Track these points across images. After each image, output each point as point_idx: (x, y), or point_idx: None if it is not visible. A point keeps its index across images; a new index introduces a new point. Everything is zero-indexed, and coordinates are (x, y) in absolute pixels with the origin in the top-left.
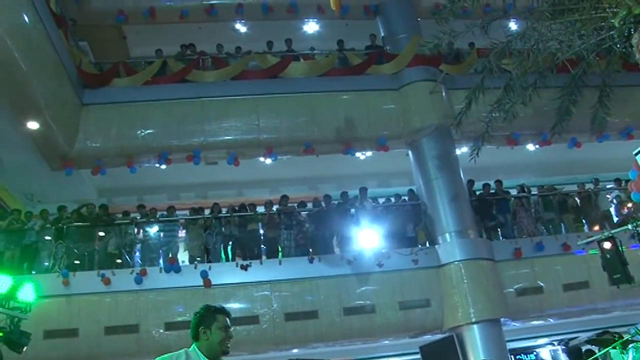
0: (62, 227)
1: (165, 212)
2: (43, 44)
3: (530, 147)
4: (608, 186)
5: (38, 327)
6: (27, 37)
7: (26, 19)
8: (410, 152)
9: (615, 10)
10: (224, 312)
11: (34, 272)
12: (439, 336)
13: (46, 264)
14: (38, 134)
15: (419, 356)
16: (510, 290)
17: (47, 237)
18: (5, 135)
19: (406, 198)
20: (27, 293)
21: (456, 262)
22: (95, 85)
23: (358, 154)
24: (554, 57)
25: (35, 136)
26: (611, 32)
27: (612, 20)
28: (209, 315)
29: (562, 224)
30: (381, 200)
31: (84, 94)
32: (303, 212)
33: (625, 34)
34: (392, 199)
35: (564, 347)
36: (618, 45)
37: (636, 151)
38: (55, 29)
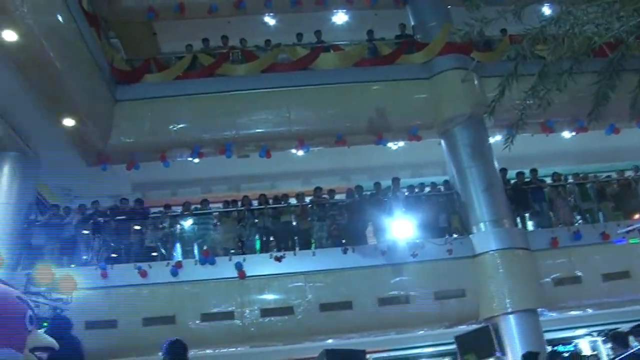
0: (98, 221)
1: (198, 206)
2: (77, 43)
3: (566, 134)
4: None
5: (78, 318)
6: (61, 37)
7: (60, 19)
8: (442, 142)
9: None
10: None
11: (73, 265)
12: (475, 326)
13: (84, 257)
14: (74, 131)
15: (454, 346)
16: (547, 280)
17: (85, 231)
18: (43, 133)
19: (441, 188)
20: (68, 285)
21: (491, 252)
22: (128, 82)
23: (390, 144)
24: (590, 41)
25: (71, 133)
26: None
27: None
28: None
29: (601, 213)
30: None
31: (116, 90)
32: (336, 203)
33: None
34: (427, 188)
35: (604, 336)
36: None
37: None
38: (87, 28)
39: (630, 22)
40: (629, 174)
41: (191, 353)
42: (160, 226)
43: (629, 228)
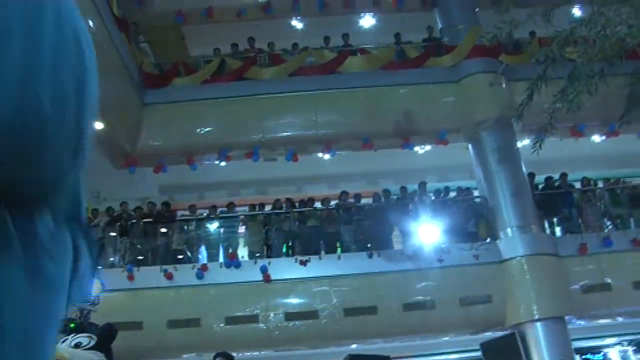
0: (125, 224)
1: (225, 209)
2: (107, 48)
3: (596, 138)
4: None
5: (105, 319)
6: (92, 42)
7: (91, 24)
8: (470, 146)
9: None
10: (220, 356)
11: (100, 267)
12: (500, 333)
13: (112, 259)
14: (103, 134)
15: (479, 353)
16: (576, 287)
17: (112, 234)
18: None
19: (474, 192)
20: (96, 286)
21: (518, 258)
22: (156, 86)
23: (417, 148)
24: (622, 43)
25: (100, 136)
26: None
27: None
28: None
29: (632, 219)
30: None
31: (145, 94)
32: (362, 208)
33: None
34: (453, 193)
35: (635, 347)
36: None
37: None
38: (117, 33)
39: None
40: None
41: None
42: (187, 229)
43: None
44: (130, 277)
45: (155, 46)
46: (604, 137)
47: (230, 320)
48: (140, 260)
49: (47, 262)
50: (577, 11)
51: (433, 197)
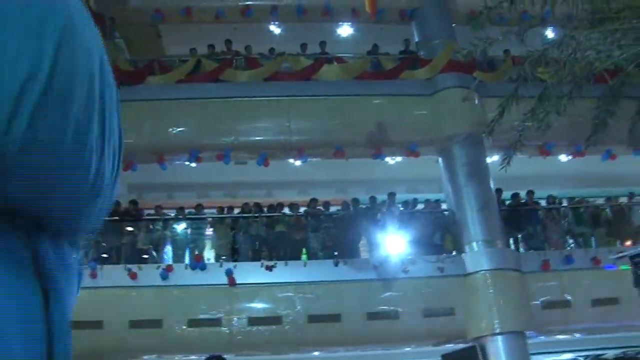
0: None
1: (193, 210)
2: None
3: (563, 158)
4: None
5: None
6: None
7: None
8: (440, 159)
9: None
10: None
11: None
12: (462, 345)
13: (74, 256)
14: None
15: None
16: (537, 302)
17: None
18: None
19: (436, 204)
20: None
21: (482, 272)
22: (130, 83)
23: (388, 159)
24: (591, 67)
25: None
26: None
27: None
28: None
29: (593, 238)
30: (419, 206)
31: (119, 90)
32: (331, 215)
33: None
34: (420, 205)
35: None
36: None
37: None
38: None
39: (631, 50)
40: (623, 200)
41: (176, 359)
42: (153, 228)
43: (620, 255)
44: (93, 275)
45: (131, 43)
46: (570, 157)
47: (193, 323)
48: (105, 258)
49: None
50: (550, 33)
51: (402, 208)
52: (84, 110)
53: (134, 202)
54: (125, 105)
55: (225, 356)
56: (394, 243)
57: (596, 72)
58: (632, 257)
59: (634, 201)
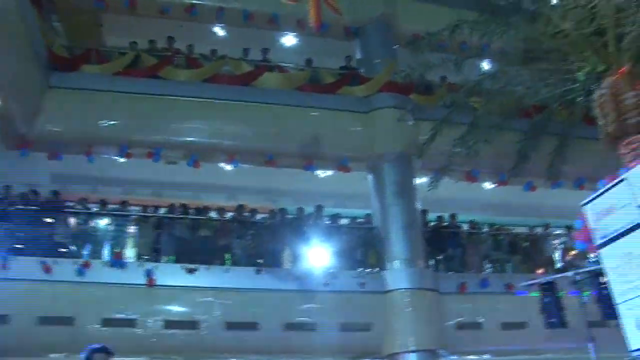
0: (7, 209)
1: (118, 206)
2: (13, 19)
3: (488, 185)
4: (556, 232)
5: None
6: None
7: None
8: (370, 176)
9: (581, 64)
10: (104, 351)
11: None
12: None
13: None
14: None
15: None
16: (451, 323)
17: None
18: None
19: (361, 220)
20: None
21: (402, 290)
22: (65, 69)
23: (319, 172)
24: (520, 102)
25: None
26: (576, 85)
27: (578, 74)
28: (89, 356)
29: (509, 264)
30: (344, 221)
31: (52, 76)
32: (257, 223)
33: (588, 89)
34: (344, 220)
35: None
36: (580, 98)
37: (584, 202)
38: (29, 6)
39: (556, 90)
40: (538, 230)
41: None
42: (74, 222)
43: (532, 282)
44: (4, 266)
45: (69, 29)
46: (494, 185)
47: (107, 322)
48: (18, 249)
49: None
50: (485, 65)
51: (328, 222)
52: None
53: (55, 193)
54: (57, 92)
55: (139, 358)
56: (317, 255)
57: (524, 106)
58: (541, 285)
59: (547, 232)
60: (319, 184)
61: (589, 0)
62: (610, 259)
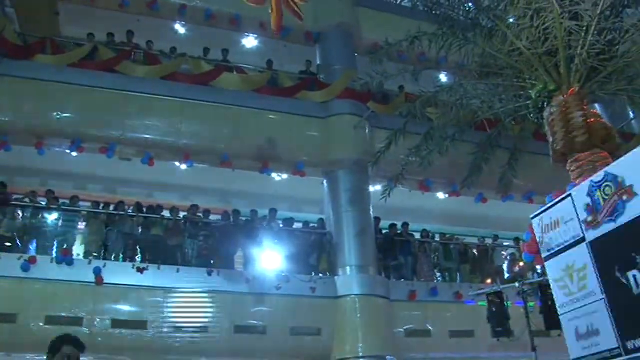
0: None
1: (67, 201)
2: None
3: (440, 195)
4: (505, 243)
5: None
6: None
7: None
8: (325, 181)
9: (534, 82)
10: (70, 342)
11: None
12: None
13: None
14: None
15: None
16: (400, 330)
17: None
18: None
19: (315, 225)
20: None
21: (352, 296)
22: (17, 57)
23: (274, 175)
24: (474, 115)
25: None
26: (528, 102)
27: (530, 91)
28: (56, 345)
29: (459, 274)
30: (298, 225)
31: (1, 63)
32: (210, 224)
33: (539, 106)
34: (298, 224)
35: None
36: (532, 115)
37: (533, 215)
38: None
39: (509, 105)
40: (488, 241)
41: (28, 357)
42: (21, 215)
43: (480, 292)
44: None
45: (23, 15)
46: (447, 196)
47: (52, 321)
48: None
49: None
50: (443, 77)
51: (282, 225)
52: None
53: (2, 185)
54: (7, 80)
55: (84, 358)
56: (270, 259)
57: (478, 120)
58: (488, 295)
59: (497, 243)
60: (274, 187)
61: (542, 22)
62: (554, 272)
